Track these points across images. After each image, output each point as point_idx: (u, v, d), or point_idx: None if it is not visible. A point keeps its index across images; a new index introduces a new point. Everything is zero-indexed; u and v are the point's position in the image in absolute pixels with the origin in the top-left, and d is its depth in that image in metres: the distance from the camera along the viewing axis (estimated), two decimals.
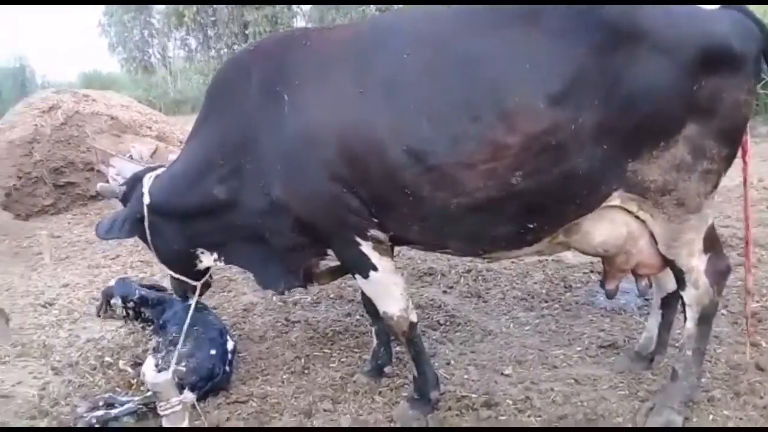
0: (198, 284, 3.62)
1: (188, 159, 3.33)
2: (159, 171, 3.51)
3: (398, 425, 3.10)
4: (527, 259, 5.04)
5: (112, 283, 4.02)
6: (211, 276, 3.78)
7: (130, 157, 7.90)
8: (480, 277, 5.09)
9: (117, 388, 3.60)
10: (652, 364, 3.43)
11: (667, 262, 2.83)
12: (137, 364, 3.72)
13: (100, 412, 3.22)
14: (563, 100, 2.42)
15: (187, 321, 3.43)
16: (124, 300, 3.91)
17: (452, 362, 3.72)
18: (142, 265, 6.13)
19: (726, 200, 6.30)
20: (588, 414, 3.05)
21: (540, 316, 4.32)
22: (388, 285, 3.07)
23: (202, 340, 3.51)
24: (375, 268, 3.00)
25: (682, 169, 2.54)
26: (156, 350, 3.51)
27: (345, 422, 3.14)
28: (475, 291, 4.84)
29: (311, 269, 3.40)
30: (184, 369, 3.32)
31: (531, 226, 2.70)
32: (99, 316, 4.03)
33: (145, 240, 3.52)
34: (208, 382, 3.39)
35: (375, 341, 3.67)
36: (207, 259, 3.51)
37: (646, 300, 4.07)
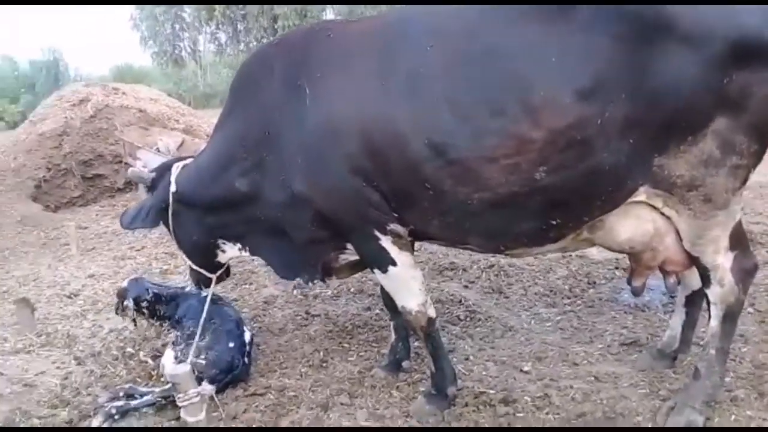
0: (214, 276, 3.65)
1: (212, 151, 3.37)
2: (188, 161, 3.56)
3: (415, 420, 3.08)
4: (551, 255, 4.98)
5: (125, 284, 4.05)
6: (229, 268, 3.80)
7: (157, 149, 8.04)
8: (502, 273, 5.05)
9: (137, 379, 3.65)
10: (674, 363, 3.37)
11: (692, 260, 2.76)
12: (157, 356, 3.76)
13: (120, 403, 3.27)
14: (590, 94, 2.37)
15: (204, 314, 3.46)
16: (137, 302, 3.94)
17: (471, 358, 3.69)
18: (166, 257, 6.22)
19: (757, 196, 6.15)
20: (607, 412, 3.00)
21: (562, 313, 4.27)
22: (407, 280, 3.05)
23: (220, 332, 3.53)
24: (394, 263, 2.98)
25: (710, 164, 2.47)
26: (175, 343, 3.54)
27: (361, 416, 3.13)
28: (497, 286, 4.80)
29: (330, 263, 3.41)
30: (203, 362, 3.35)
31: (554, 222, 2.66)
32: (117, 314, 4.10)
33: (169, 229, 3.56)
34: (228, 375, 3.42)
35: (393, 336, 3.65)
36: (231, 250, 3.55)
37: (671, 297, 3.99)
